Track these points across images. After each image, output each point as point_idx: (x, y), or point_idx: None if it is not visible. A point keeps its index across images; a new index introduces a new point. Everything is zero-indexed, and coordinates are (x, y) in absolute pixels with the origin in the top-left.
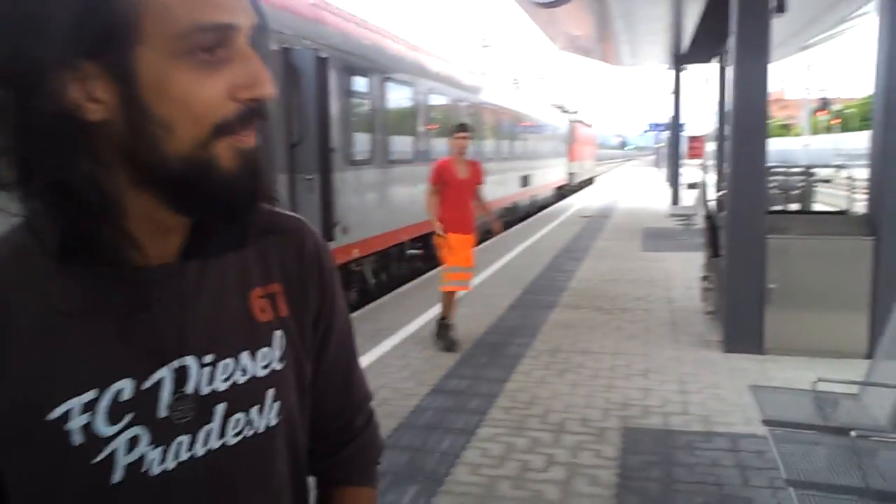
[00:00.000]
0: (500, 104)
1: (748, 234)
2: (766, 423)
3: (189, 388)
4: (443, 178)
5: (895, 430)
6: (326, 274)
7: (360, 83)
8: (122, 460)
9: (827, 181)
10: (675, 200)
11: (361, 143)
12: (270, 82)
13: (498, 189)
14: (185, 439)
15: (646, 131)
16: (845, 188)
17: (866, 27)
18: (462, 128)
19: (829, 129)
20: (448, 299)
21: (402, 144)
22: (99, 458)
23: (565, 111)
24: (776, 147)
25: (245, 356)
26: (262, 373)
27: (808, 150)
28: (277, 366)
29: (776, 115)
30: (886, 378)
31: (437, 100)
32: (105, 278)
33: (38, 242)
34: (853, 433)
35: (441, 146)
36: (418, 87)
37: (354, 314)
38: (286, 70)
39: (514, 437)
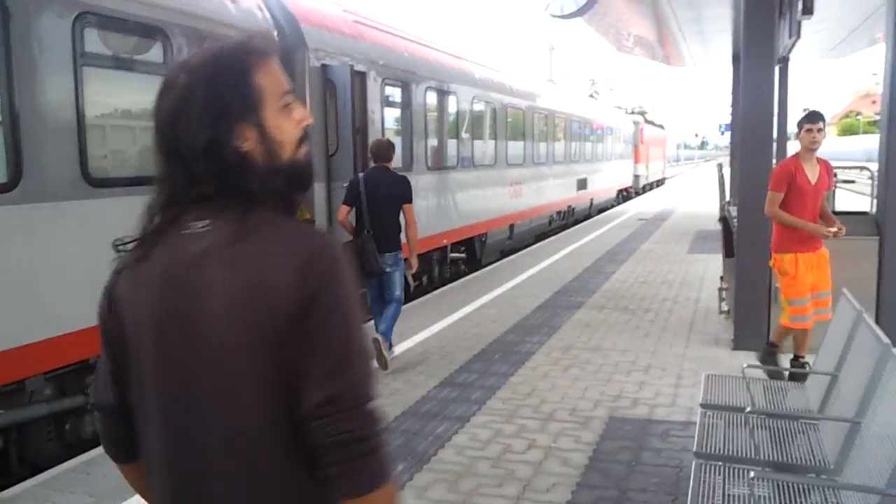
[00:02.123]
0: (553, 108)
1: (755, 235)
2: (702, 406)
3: None
4: (790, 183)
5: (821, 412)
6: None
7: (398, 94)
8: None
9: (851, 182)
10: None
11: (402, 151)
12: (310, 116)
13: (551, 193)
14: None
15: (722, 132)
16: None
17: None
18: (813, 117)
19: None
20: (790, 331)
21: (443, 151)
22: None
23: (638, 112)
24: (862, 146)
25: None
26: None
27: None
28: None
29: (865, 112)
30: (824, 368)
31: (481, 105)
32: None
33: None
34: (748, 410)
35: (488, 150)
36: (461, 95)
37: None
38: (323, 84)
39: (504, 423)
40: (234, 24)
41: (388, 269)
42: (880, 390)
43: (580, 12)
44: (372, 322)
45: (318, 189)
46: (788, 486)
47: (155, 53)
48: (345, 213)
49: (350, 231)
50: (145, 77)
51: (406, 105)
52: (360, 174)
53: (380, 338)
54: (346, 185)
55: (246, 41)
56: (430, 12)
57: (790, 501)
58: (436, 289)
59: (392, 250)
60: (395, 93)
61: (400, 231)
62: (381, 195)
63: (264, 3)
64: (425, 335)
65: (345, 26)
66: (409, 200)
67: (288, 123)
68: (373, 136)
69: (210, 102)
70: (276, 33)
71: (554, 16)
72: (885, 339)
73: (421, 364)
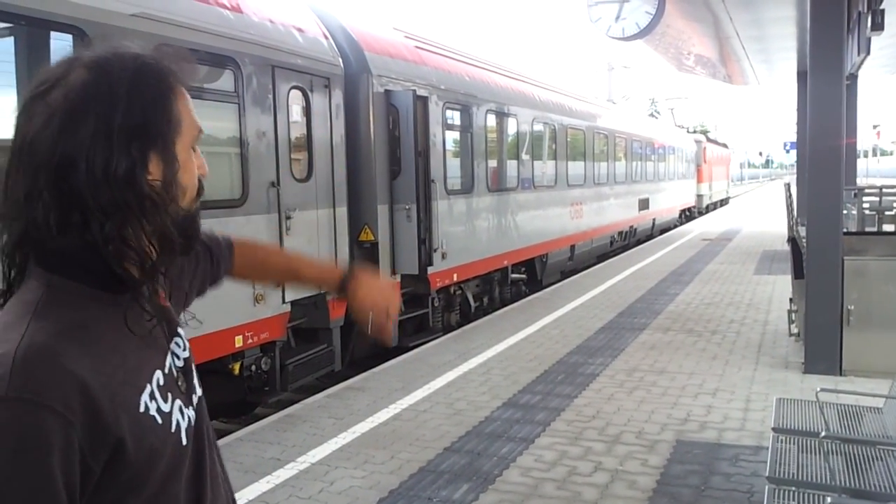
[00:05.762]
0: (613, 128)
1: (825, 256)
2: (774, 430)
3: (178, 363)
4: None
5: None
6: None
7: (459, 117)
8: (183, 424)
9: None
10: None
11: (462, 173)
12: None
13: (612, 213)
14: (194, 397)
15: (787, 150)
16: None
17: None
18: None
19: None
20: None
21: (503, 172)
22: (173, 429)
23: (700, 131)
24: None
25: (180, 331)
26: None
27: None
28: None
29: None
30: None
31: (541, 127)
32: (131, 301)
33: (84, 285)
34: (822, 434)
35: (548, 171)
36: (521, 117)
37: (451, 335)
38: (387, 109)
39: (570, 445)
40: (301, 53)
41: None
42: None
43: (641, 34)
44: None
45: (382, 212)
46: None
47: (226, 82)
48: None
49: None
50: (215, 105)
51: (466, 128)
52: None
53: None
54: (407, 207)
55: (164, 57)
56: (490, 35)
57: None
58: (496, 309)
59: None
60: (455, 116)
61: None
62: None
63: (329, 32)
64: (488, 355)
65: (407, 52)
66: None
67: (193, 168)
68: (434, 159)
69: (127, 114)
70: (341, 60)
71: (614, 38)
72: None
73: (484, 385)
